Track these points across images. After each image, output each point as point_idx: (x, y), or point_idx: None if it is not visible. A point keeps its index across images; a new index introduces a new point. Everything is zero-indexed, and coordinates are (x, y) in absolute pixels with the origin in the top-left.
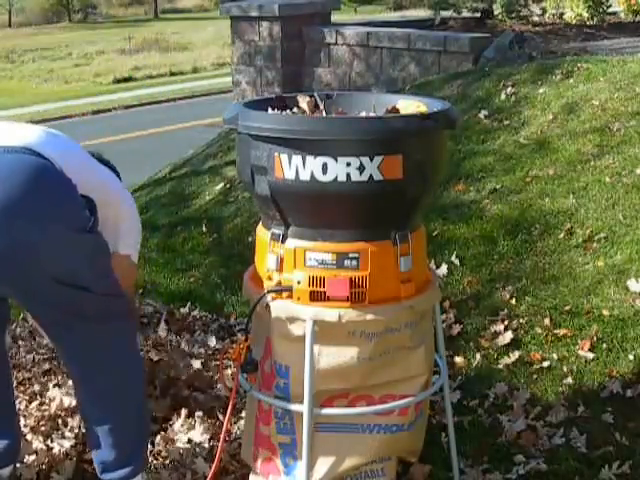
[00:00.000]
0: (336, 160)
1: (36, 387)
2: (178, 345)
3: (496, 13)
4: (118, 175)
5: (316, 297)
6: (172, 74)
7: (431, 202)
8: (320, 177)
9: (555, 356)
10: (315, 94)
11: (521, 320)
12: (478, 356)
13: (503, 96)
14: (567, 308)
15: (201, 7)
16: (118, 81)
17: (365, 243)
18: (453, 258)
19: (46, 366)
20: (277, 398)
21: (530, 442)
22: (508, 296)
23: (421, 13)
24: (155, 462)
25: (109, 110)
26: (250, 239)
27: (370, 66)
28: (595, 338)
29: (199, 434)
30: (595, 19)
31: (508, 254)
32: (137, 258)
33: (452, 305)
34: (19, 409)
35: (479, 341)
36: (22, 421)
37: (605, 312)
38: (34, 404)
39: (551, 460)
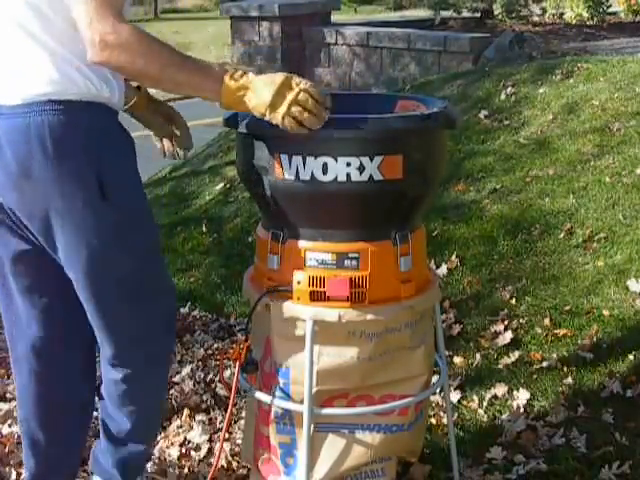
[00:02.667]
0: (336, 160)
1: None
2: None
3: (496, 13)
4: None
5: (316, 297)
6: None
7: (431, 202)
8: (320, 177)
9: (555, 356)
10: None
11: (521, 320)
12: (478, 356)
13: (503, 96)
14: (567, 308)
15: (201, 7)
16: None
17: (365, 243)
18: (453, 258)
19: None
20: (277, 398)
21: (530, 442)
22: (508, 296)
23: (421, 13)
24: (154, 464)
25: None
26: (250, 239)
27: (370, 66)
28: (595, 338)
29: (198, 435)
30: (595, 19)
31: (508, 254)
32: None
33: (452, 305)
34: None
35: (479, 341)
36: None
37: (605, 312)
38: None
39: (551, 460)
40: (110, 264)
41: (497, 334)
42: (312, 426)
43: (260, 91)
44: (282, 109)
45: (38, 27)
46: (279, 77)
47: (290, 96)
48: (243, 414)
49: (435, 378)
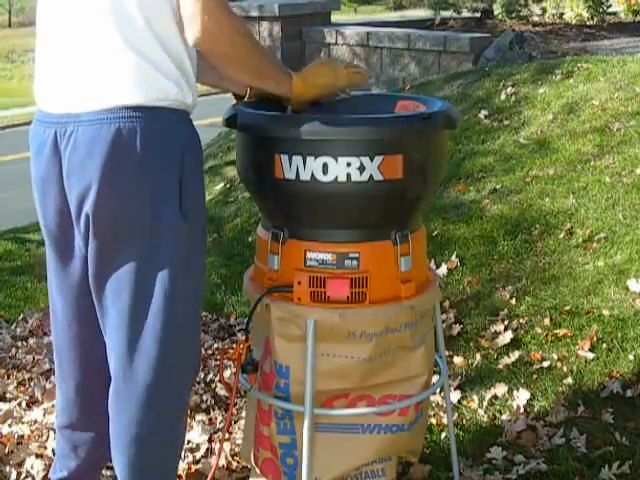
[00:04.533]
0: (336, 160)
1: (36, 388)
2: None
3: (496, 13)
4: None
5: (316, 297)
6: None
7: (431, 202)
8: (320, 177)
9: (555, 356)
10: None
11: (521, 320)
12: (478, 356)
13: (503, 96)
14: (567, 308)
15: None
16: None
17: (365, 243)
18: (453, 258)
19: (46, 366)
20: (277, 398)
21: (530, 442)
22: (508, 296)
23: (421, 13)
24: None
25: None
26: (250, 239)
27: (370, 66)
28: (595, 338)
29: (198, 434)
30: (595, 19)
31: (508, 254)
32: None
33: (452, 305)
34: (18, 409)
35: (479, 341)
36: (21, 424)
37: (605, 312)
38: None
39: (551, 460)
40: (171, 279)
41: (497, 334)
42: (313, 426)
43: (319, 70)
44: (343, 71)
45: (134, 34)
46: (317, 61)
47: (340, 64)
48: (243, 414)
49: (435, 378)
